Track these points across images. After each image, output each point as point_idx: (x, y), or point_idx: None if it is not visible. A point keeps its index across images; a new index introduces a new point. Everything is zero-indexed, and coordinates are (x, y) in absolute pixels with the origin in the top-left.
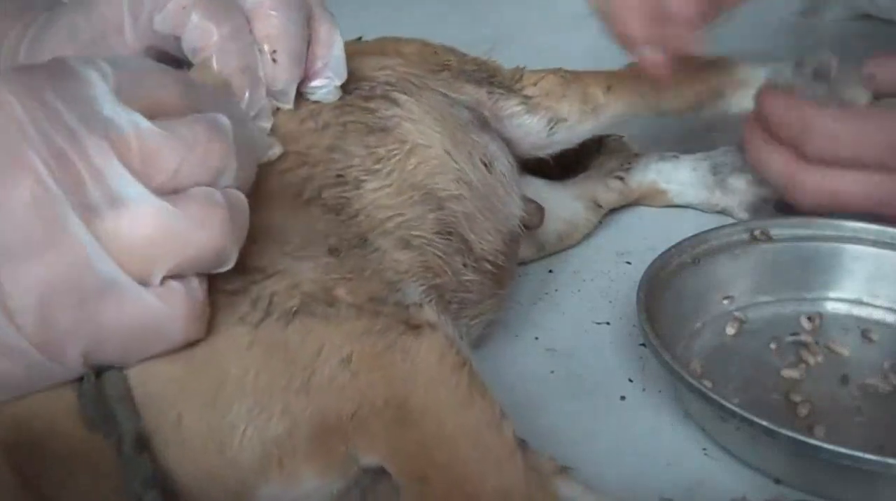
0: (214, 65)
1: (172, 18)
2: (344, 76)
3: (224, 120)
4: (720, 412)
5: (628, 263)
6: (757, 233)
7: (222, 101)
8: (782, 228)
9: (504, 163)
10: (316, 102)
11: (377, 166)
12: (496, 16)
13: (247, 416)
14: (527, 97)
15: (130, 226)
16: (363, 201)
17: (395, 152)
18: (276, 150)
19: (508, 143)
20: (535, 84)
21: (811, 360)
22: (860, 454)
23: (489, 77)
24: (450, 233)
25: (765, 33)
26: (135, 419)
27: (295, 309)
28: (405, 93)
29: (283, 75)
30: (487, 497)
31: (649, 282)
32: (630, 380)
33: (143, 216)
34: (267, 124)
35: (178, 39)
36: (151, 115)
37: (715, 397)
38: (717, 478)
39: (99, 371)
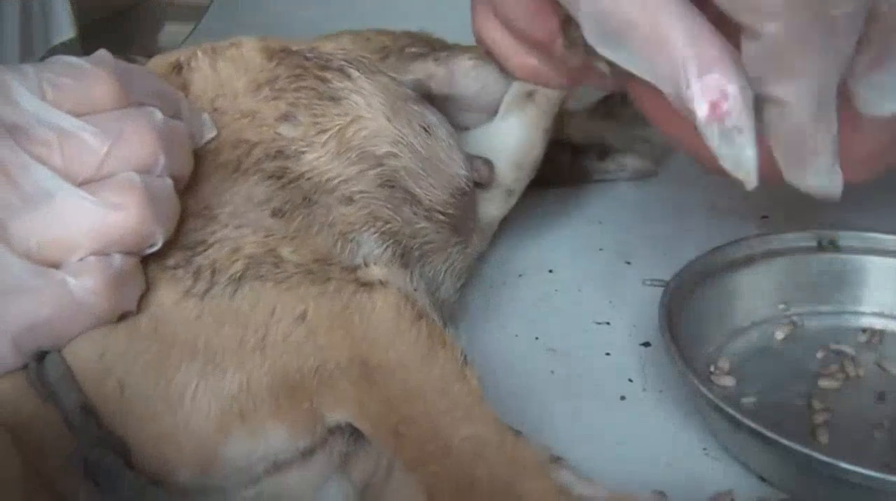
0: None
1: None
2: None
3: (157, 114)
4: (710, 406)
5: (628, 263)
6: (824, 241)
7: (160, 92)
8: (852, 240)
9: (443, 129)
10: (277, 65)
11: (317, 138)
12: None
13: (197, 375)
14: (472, 51)
15: (48, 221)
16: (302, 167)
17: (338, 124)
18: (211, 134)
19: (467, 102)
20: (470, 47)
21: (852, 372)
22: (844, 465)
23: (429, 45)
24: (392, 186)
25: None
26: (77, 395)
27: (240, 274)
28: (358, 70)
29: None
30: (460, 446)
31: (685, 276)
32: (630, 380)
33: (60, 208)
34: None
35: None
36: (83, 111)
37: (706, 392)
38: (717, 478)
39: (41, 355)
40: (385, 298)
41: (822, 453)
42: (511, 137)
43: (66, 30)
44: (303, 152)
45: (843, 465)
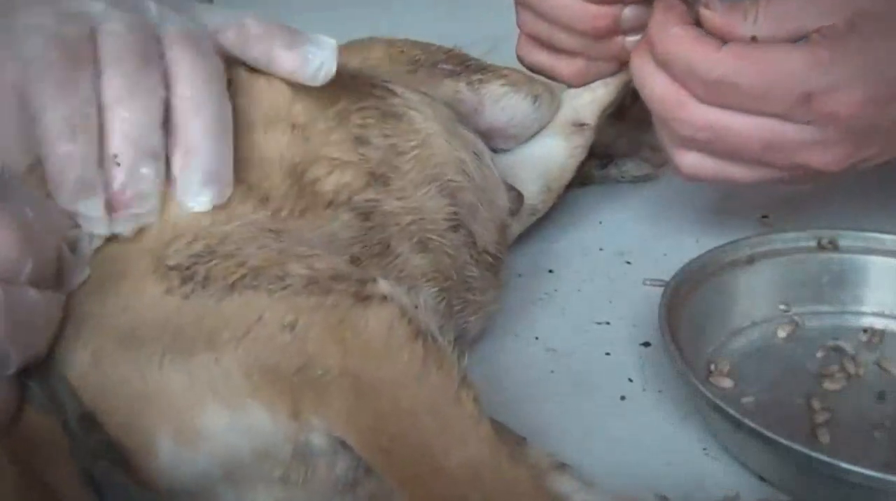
0: None
1: None
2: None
3: (27, 213)
4: (710, 406)
5: (628, 263)
6: (824, 241)
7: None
8: (852, 240)
9: (488, 156)
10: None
11: (398, 160)
12: (496, 16)
13: (163, 347)
14: (505, 76)
15: None
16: (392, 202)
17: (412, 142)
18: (84, 274)
19: (495, 131)
20: (504, 69)
21: (852, 371)
22: (844, 464)
23: (463, 63)
24: (459, 226)
25: None
26: (76, 402)
27: (232, 282)
28: (400, 86)
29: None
30: (454, 471)
31: (685, 276)
32: (630, 380)
33: None
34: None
35: None
36: None
37: (706, 392)
38: (716, 478)
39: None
40: (378, 314)
41: (823, 453)
42: (547, 161)
43: None
44: (390, 177)
45: (844, 465)
